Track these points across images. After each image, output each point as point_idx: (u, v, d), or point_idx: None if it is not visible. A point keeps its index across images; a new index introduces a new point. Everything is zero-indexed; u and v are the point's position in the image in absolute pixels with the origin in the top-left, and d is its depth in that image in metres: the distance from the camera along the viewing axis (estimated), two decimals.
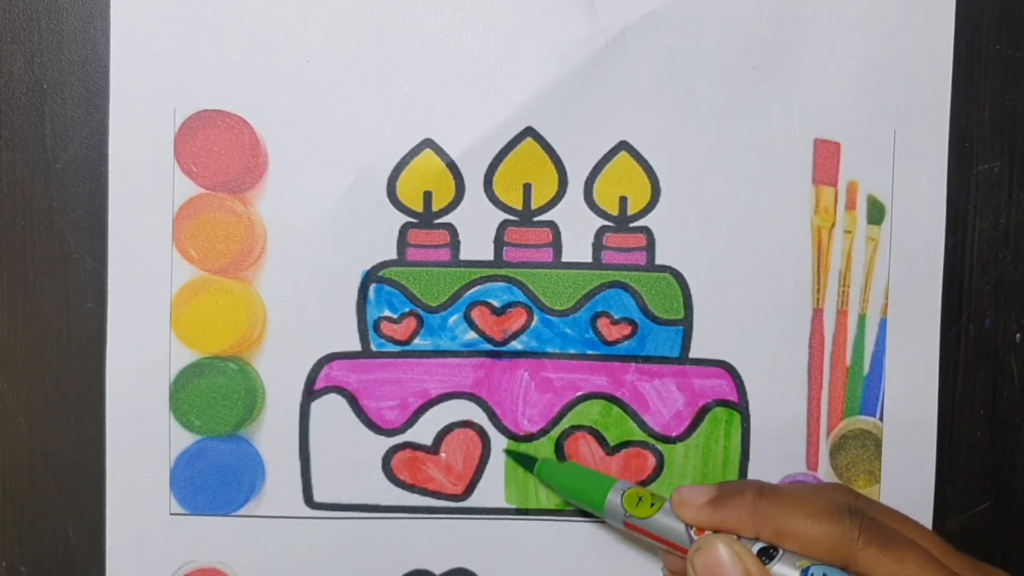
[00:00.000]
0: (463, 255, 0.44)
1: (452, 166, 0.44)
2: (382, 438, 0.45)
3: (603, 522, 0.44)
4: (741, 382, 0.45)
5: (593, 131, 0.44)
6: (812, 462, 0.45)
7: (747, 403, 0.45)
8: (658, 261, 0.45)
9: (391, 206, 0.44)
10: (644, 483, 0.45)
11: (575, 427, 0.45)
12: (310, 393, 0.44)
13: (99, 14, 0.43)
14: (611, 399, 0.45)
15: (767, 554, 0.36)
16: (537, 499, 0.45)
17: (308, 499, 0.45)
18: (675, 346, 0.45)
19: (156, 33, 0.43)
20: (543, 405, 0.45)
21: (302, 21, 0.43)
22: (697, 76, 0.44)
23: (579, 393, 0.45)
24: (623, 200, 0.45)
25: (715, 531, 0.37)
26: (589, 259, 0.45)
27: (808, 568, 0.35)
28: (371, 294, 0.44)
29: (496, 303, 0.45)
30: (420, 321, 0.45)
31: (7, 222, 0.44)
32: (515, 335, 0.45)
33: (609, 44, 0.44)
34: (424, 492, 0.45)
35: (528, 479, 0.45)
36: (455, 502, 0.45)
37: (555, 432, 0.45)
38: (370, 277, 0.44)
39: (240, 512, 0.45)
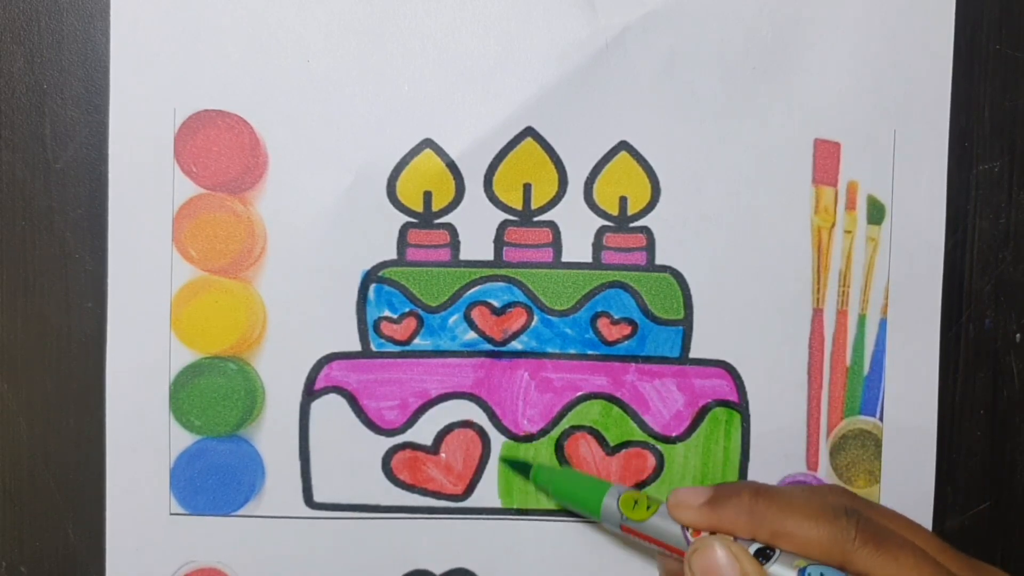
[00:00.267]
0: (463, 255, 0.44)
1: (452, 166, 0.44)
2: (382, 438, 0.45)
3: None
4: (741, 382, 0.45)
5: (593, 131, 0.44)
6: (812, 462, 0.45)
7: (747, 403, 0.45)
8: (658, 261, 0.45)
9: (391, 206, 0.44)
10: (644, 483, 0.45)
11: (575, 427, 0.45)
12: (310, 393, 0.44)
13: (99, 14, 0.43)
14: (611, 399, 0.45)
15: (764, 555, 0.36)
16: (537, 499, 0.45)
17: (308, 499, 0.45)
18: (675, 346, 0.45)
19: (156, 33, 0.43)
20: (543, 405, 0.45)
21: (302, 21, 0.43)
22: (697, 76, 0.44)
23: (579, 393, 0.45)
24: (623, 200, 0.45)
25: (712, 533, 0.37)
26: (589, 259, 0.45)
27: (805, 568, 0.35)
28: (371, 294, 0.44)
29: (496, 303, 0.45)
30: (420, 321, 0.45)
31: (7, 222, 0.44)
32: (515, 335, 0.45)
33: (609, 44, 0.44)
34: (424, 492, 0.45)
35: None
36: (455, 502, 0.45)
37: (555, 432, 0.45)
38: (370, 277, 0.44)
39: (240, 512, 0.45)
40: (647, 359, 0.45)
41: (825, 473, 0.45)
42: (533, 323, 0.45)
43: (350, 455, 0.45)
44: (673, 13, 0.44)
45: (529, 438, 0.45)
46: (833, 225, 0.45)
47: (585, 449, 0.45)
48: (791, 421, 0.45)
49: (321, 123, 0.44)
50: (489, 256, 0.44)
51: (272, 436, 0.44)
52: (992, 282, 0.46)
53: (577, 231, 0.45)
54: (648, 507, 0.40)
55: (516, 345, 0.45)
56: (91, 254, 0.44)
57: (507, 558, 0.45)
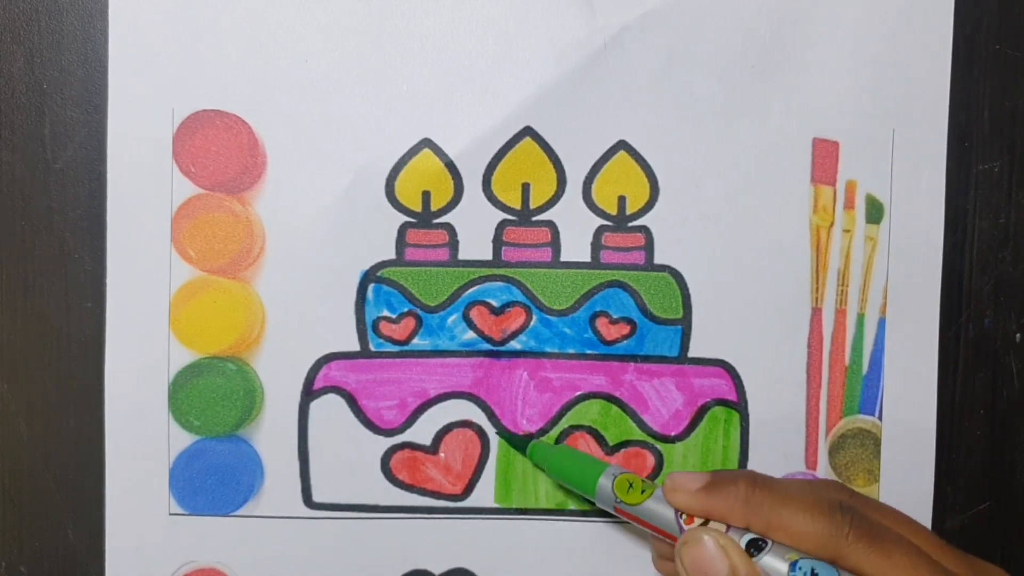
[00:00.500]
0: (462, 255, 0.44)
1: (451, 166, 0.44)
2: (381, 438, 0.45)
3: (602, 521, 0.45)
4: (740, 381, 0.45)
5: (592, 131, 0.44)
6: (811, 461, 0.45)
7: (746, 402, 0.45)
8: (657, 260, 0.45)
9: (390, 206, 0.44)
10: None
11: (574, 427, 0.45)
12: (309, 393, 0.44)
13: (99, 14, 0.43)
14: (610, 399, 0.45)
15: (756, 546, 0.36)
16: (536, 499, 0.45)
17: (307, 499, 0.45)
18: (674, 345, 0.45)
19: (155, 33, 0.43)
20: (542, 405, 0.45)
21: (301, 21, 0.43)
22: (695, 75, 0.44)
23: (578, 393, 0.45)
24: (622, 199, 0.45)
25: (706, 519, 0.37)
26: (588, 258, 0.45)
27: (797, 562, 0.35)
28: (370, 294, 0.44)
29: (495, 303, 0.45)
30: (419, 321, 0.45)
31: (7, 222, 0.44)
32: (514, 335, 0.45)
33: (607, 44, 0.44)
34: (423, 492, 0.45)
35: (527, 478, 0.45)
36: (454, 502, 0.45)
37: (554, 432, 0.45)
38: (369, 277, 0.44)
39: (239, 512, 0.45)
40: (646, 358, 0.45)
41: (824, 472, 0.45)
42: (532, 323, 0.45)
43: (349, 455, 0.45)
44: (671, 13, 0.44)
45: (528, 437, 0.45)
46: (832, 224, 0.45)
47: (584, 448, 0.45)
48: (790, 420, 0.45)
49: (320, 123, 0.44)
50: (488, 256, 0.44)
51: (271, 436, 0.44)
52: (992, 282, 0.46)
53: (576, 231, 0.45)
54: (643, 491, 0.39)
55: (515, 345, 0.45)
56: (91, 254, 0.44)
57: (506, 558, 0.45)
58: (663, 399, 0.45)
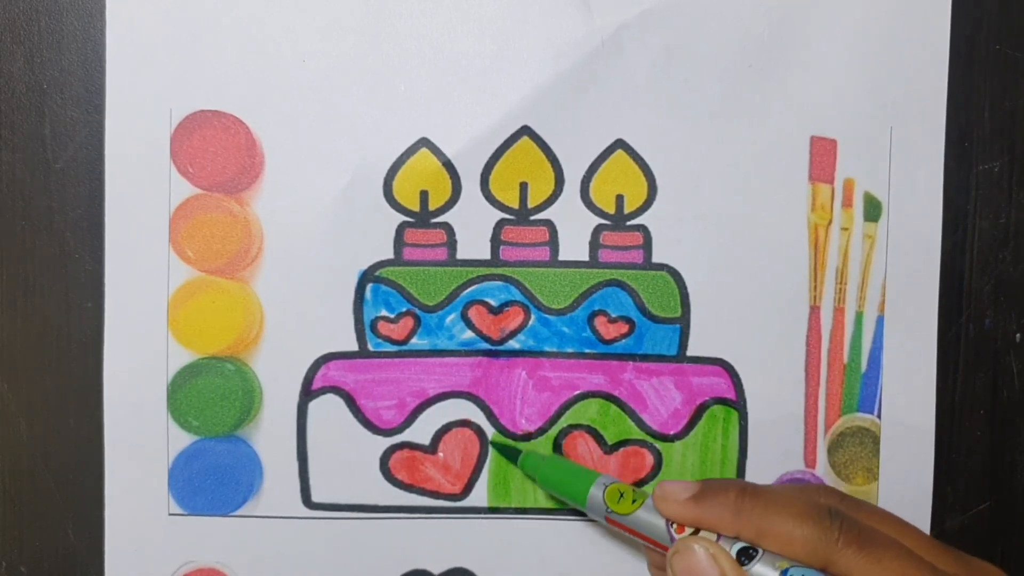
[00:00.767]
0: (460, 254, 0.44)
1: (448, 165, 0.44)
2: (380, 438, 0.45)
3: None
4: (739, 380, 0.45)
5: (589, 130, 0.44)
6: (810, 459, 0.45)
7: (745, 401, 0.45)
8: (655, 259, 0.45)
9: (387, 206, 0.44)
10: (642, 482, 0.45)
11: (573, 426, 0.45)
12: (307, 393, 0.44)
13: (98, 14, 0.44)
14: (609, 398, 0.45)
15: (747, 554, 0.36)
16: (536, 498, 0.45)
17: (306, 499, 0.45)
18: (672, 344, 0.45)
19: (152, 33, 0.43)
20: (541, 404, 0.45)
21: (298, 22, 0.44)
22: (693, 74, 0.44)
23: (577, 392, 0.45)
24: (620, 198, 0.45)
25: (696, 528, 0.37)
26: (586, 257, 0.45)
27: (787, 570, 0.35)
28: (368, 294, 0.44)
29: (493, 302, 0.45)
30: (417, 320, 0.45)
31: (7, 222, 0.44)
32: (512, 334, 0.45)
33: (605, 43, 0.44)
34: (422, 492, 0.45)
35: (526, 478, 0.45)
36: (453, 502, 0.45)
37: (553, 431, 0.45)
38: (367, 277, 0.44)
39: (238, 512, 0.45)
40: (644, 357, 0.45)
41: (823, 470, 0.45)
42: (530, 322, 0.45)
43: (348, 455, 0.45)
44: (669, 12, 0.44)
45: (527, 437, 0.45)
46: (830, 222, 0.45)
47: (583, 448, 0.45)
48: (789, 418, 0.45)
49: (317, 123, 0.44)
50: (486, 255, 0.44)
51: (270, 436, 0.44)
52: (992, 282, 0.46)
53: (574, 230, 0.45)
54: (634, 500, 0.39)
55: (513, 344, 0.45)
56: (91, 254, 0.44)
57: (506, 557, 0.45)
58: (662, 398, 0.45)
